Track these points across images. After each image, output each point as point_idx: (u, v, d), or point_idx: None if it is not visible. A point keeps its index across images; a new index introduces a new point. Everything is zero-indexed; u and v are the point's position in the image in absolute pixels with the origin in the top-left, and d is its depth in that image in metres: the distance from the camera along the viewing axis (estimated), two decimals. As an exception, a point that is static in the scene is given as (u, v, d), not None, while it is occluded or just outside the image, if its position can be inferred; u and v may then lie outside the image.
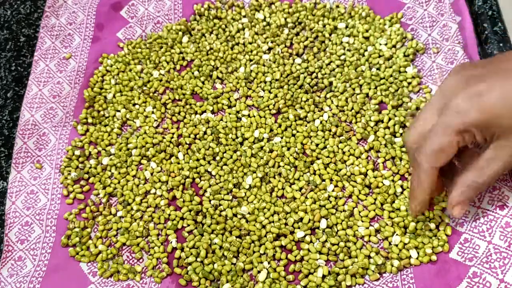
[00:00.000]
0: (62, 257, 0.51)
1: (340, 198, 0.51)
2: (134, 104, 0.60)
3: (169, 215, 0.52)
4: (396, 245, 0.47)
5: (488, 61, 0.41)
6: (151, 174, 0.55)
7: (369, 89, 0.56)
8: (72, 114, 0.60)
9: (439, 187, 0.45)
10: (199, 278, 0.48)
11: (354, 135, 0.54)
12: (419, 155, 0.41)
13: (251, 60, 0.61)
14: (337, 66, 0.58)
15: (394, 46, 0.59)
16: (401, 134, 0.53)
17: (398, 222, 0.48)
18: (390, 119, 0.54)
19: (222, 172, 0.54)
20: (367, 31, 0.60)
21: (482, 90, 0.38)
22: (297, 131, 0.55)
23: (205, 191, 0.53)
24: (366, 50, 0.59)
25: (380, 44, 0.59)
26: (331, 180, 0.52)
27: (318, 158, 0.53)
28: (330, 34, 0.61)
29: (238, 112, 0.58)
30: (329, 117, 0.55)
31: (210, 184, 0.53)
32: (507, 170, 0.41)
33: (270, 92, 0.58)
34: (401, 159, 0.52)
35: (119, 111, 0.60)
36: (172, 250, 0.50)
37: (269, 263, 0.48)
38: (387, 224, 0.48)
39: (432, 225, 0.47)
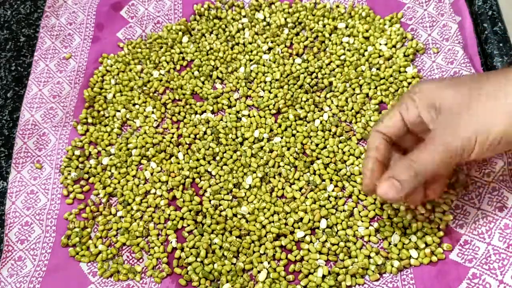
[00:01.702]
0: (62, 257, 0.51)
1: (340, 198, 0.51)
2: (134, 104, 0.60)
3: (169, 215, 0.52)
4: (396, 245, 0.47)
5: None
6: (151, 174, 0.55)
7: (369, 89, 0.56)
8: (72, 114, 0.60)
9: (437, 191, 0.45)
10: (199, 278, 0.48)
11: (354, 135, 0.54)
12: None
13: (251, 60, 0.61)
14: (337, 66, 0.58)
15: (394, 46, 0.59)
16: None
17: (397, 222, 0.48)
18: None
19: (222, 172, 0.54)
20: (367, 31, 0.60)
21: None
22: (297, 131, 0.55)
23: (205, 191, 0.53)
24: (366, 50, 0.59)
25: (380, 44, 0.59)
26: (331, 180, 0.52)
27: (318, 158, 0.53)
28: (330, 34, 0.61)
29: (238, 112, 0.58)
30: (329, 117, 0.55)
31: (210, 184, 0.53)
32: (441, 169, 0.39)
33: (270, 92, 0.58)
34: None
35: (119, 111, 0.60)
36: (172, 250, 0.51)
37: (269, 263, 0.48)
38: (386, 224, 0.48)
39: (432, 225, 0.47)
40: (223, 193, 0.53)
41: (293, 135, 0.55)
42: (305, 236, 0.49)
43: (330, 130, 0.54)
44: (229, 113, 0.57)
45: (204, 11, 0.65)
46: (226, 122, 0.57)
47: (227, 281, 0.48)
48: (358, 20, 0.61)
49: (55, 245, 0.52)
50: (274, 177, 0.53)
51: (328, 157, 0.53)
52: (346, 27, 0.61)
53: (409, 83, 0.56)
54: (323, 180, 0.52)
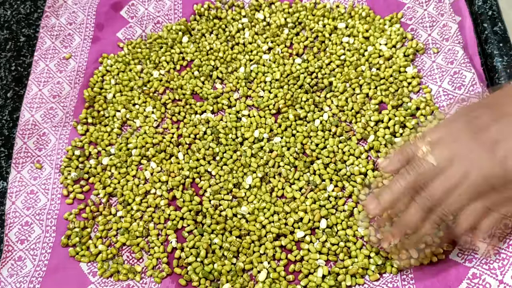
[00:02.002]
0: (62, 257, 0.51)
1: (340, 198, 0.51)
2: (134, 104, 0.60)
3: (169, 215, 0.52)
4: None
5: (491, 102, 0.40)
6: (151, 174, 0.55)
7: (369, 89, 0.56)
8: (72, 114, 0.60)
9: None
10: (199, 278, 0.48)
11: (354, 135, 0.54)
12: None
13: (251, 60, 0.61)
14: (337, 66, 0.58)
15: (394, 46, 0.59)
16: (401, 134, 0.53)
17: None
18: (390, 119, 0.54)
19: (222, 172, 0.54)
20: (367, 31, 0.60)
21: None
22: (297, 131, 0.55)
23: (205, 191, 0.53)
24: (366, 50, 0.59)
25: (380, 44, 0.59)
26: (331, 180, 0.52)
27: (318, 158, 0.53)
28: (330, 34, 0.61)
29: (238, 112, 0.58)
30: (329, 117, 0.55)
31: (210, 184, 0.53)
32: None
33: (270, 92, 0.58)
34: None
35: (119, 111, 0.60)
36: (172, 250, 0.50)
37: (269, 263, 0.48)
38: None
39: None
40: (223, 193, 0.53)
41: (293, 135, 0.55)
42: (305, 236, 0.49)
43: (330, 130, 0.54)
44: (229, 113, 0.57)
45: (204, 11, 0.65)
46: (226, 122, 0.57)
47: (227, 281, 0.48)
48: (358, 20, 0.61)
49: (55, 245, 0.52)
50: (274, 177, 0.53)
51: (328, 157, 0.53)
52: (346, 27, 0.61)
53: (409, 83, 0.56)
54: (323, 180, 0.52)
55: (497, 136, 0.38)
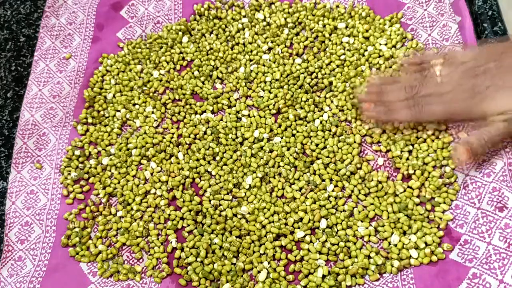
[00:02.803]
0: (62, 257, 0.51)
1: (340, 198, 0.51)
2: (134, 104, 0.60)
3: (169, 215, 0.52)
4: (396, 245, 0.47)
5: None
6: (151, 174, 0.55)
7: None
8: (72, 114, 0.60)
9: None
10: (199, 278, 0.48)
11: (354, 135, 0.54)
12: None
13: (251, 60, 0.61)
14: (337, 66, 0.58)
15: (394, 46, 0.59)
16: (402, 133, 0.53)
17: (396, 222, 0.48)
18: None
19: (222, 172, 0.54)
20: (367, 31, 0.60)
21: None
22: (297, 131, 0.55)
23: (205, 191, 0.53)
24: (366, 50, 0.59)
25: (380, 44, 0.59)
26: (331, 180, 0.52)
27: (318, 158, 0.53)
28: (330, 34, 0.61)
29: (238, 112, 0.58)
30: (329, 117, 0.55)
31: (210, 184, 0.53)
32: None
33: (270, 92, 0.58)
34: (400, 158, 0.52)
35: (119, 111, 0.60)
36: (172, 250, 0.51)
37: (269, 263, 0.48)
38: (385, 224, 0.48)
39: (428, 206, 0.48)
40: (223, 193, 0.53)
41: (293, 135, 0.55)
42: (305, 236, 0.49)
43: (330, 130, 0.54)
44: (229, 113, 0.57)
45: (204, 11, 0.65)
46: (226, 122, 0.57)
47: (227, 281, 0.48)
48: (358, 20, 0.61)
49: (55, 245, 0.52)
50: (274, 177, 0.53)
51: (328, 157, 0.53)
52: (346, 27, 0.61)
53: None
54: (323, 180, 0.52)
55: (487, 84, 0.46)
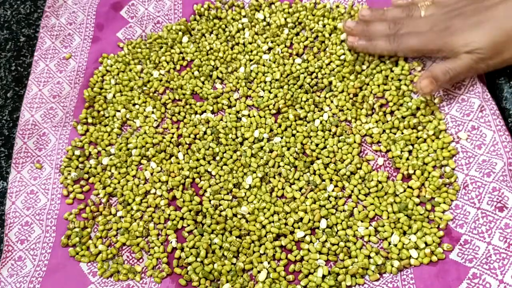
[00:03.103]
0: (62, 257, 0.51)
1: (340, 198, 0.51)
2: (134, 104, 0.60)
3: (169, 215, 0.52)
4: (396, 245, 0.47)
5: None
6: (151, 174, 0.55)
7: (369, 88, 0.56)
8: (72, 114, 0.60)
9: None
10: (199, 278, 0.48)
11: (354, 135, 0.54)
12: None
13: (251, 60, 0.61)
14: (337, 66, 0.58)
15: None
16: (402, 133, 0.53)
17: (396, 222, 0.48)
18: (392, 112, 0.54)
19: (222, 172, 0.54)
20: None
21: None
22: (297, 131, 0.55)
23: (205, 191, 0.53)
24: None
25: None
26: (331, 180, 0.52)
27: (318, 158, 0.53)
28: (330, 34, 0.61)
29: (238, 112, 0.58)
30: (329, 117, 0.55)
31: (210, 184, 0.53)
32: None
33: (270, 92, 0.58)
34: (400, 158, 0.52)
35: (119, 111, 0.60)
36: (172, 250, 0.51)
37: (269, 263, 0.48)
38: (385, 224, 0.48)
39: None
40: (223, 193, 0.53)
41: (293, 135, 0.55)
42: (305, 236, 0.49)
43: (330, 130, 0.54)
44: (229, 113, 0.57)
45: (204, 11, 0.65)
46: (226, 122, 0.57)
47: (227, 281, 0.48)
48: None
49: (55, 245, 0.52)
50: (274, 177, 0.53)
51: (328, 157, 0.53)
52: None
53: (411, 81, 0.56)
54: (323, 180, 0.52)
55: (461, 24, 0.50)
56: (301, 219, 0.50)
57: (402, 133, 0.53)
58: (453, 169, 0.50)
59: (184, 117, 0.58)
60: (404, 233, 0.48)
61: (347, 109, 0.56)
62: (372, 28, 0.56)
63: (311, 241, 0.49)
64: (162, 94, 0.61)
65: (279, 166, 0.53)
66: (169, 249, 0.50)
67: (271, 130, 0.56)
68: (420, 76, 0.52)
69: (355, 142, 0.53)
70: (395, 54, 0.55)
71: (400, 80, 0.56)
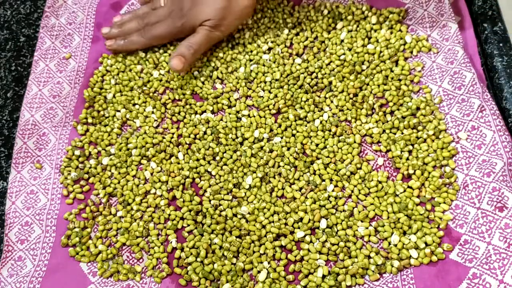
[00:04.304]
0: (62, 257, 0.51)
1: (340, 198, 0.51)
2: (134, 104, 0.60)
3: (169, 215, 0.52)
4: (396, 245, 0.47)
5: None
6: (151, 174, 0.55)
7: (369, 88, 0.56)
8: (72, 114, 0.60)
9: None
10: (199, 278, 0.48)
11: (354, 134, 0.54)
12: None
13: (251, 60, 0.61)
14: (337, 66, 0.58)
15: (394, 46, 0.59)
16: (402, 133, 0.53)
17: (396, 222, 0.48)
18: (392, 112, 0.54)
19: (222, 172, 0.54)
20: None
21: None
22: (297, 131, 0.55)
23: (205, 191, 0.53)
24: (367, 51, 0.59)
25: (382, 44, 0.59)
26: (331, 180, 0.52)
27: (318, 158, 0.53)
28: (329, 34, 0.61)
29: (238, 112, 0.58)
30: (329, 117, 0.55)
31: (210, 184, 0.53)
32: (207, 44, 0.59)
33: (270, 92, 0.58)
34: (400, 158, 0.52)
35: (119, 111, 0.60)
36: (172, 250, 0.51)
37: (269, 263, 0.48)
38: (385, 224, 0.48)
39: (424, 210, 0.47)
40: (223, 193, 0.53)
41: (293, 135, 0.55)
42: (305, 236, 0.49)
43: (330, 130, 0.54)
44: (229, 113, 0.57)
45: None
46: (226, 122, 0.57)
47: (227, 281, 0.48)
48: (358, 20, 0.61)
49: (55, 245, 0.52)
50: (274, 177, 0.53)
51: (328, 157, 0.53)
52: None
53: (411, 81, 0.56)
54: (323, 180, 0.52)
55: (190, 5, 0.58)
56: (301, 219, 0.50)
57: (402, 133, 0.53)
58: (453, 169, 0.50)
59: (184, 117, 0.58)
60: (404, 233, 0.48)
61: (347, 109, 0.56)
62: (125, 28, 0.62)
63: (311, 241, 0.49)
64: (162, 94, 0.61)
65: (279, 166, 0.53)
66: (169, 249, 0.50)
67: (271, 130, 0.56)
68: (170, 58, 0.58)
69: (355, 142, 0.53)
70: (150, 46, 0.62)
71: (400, 80, 0.56)
